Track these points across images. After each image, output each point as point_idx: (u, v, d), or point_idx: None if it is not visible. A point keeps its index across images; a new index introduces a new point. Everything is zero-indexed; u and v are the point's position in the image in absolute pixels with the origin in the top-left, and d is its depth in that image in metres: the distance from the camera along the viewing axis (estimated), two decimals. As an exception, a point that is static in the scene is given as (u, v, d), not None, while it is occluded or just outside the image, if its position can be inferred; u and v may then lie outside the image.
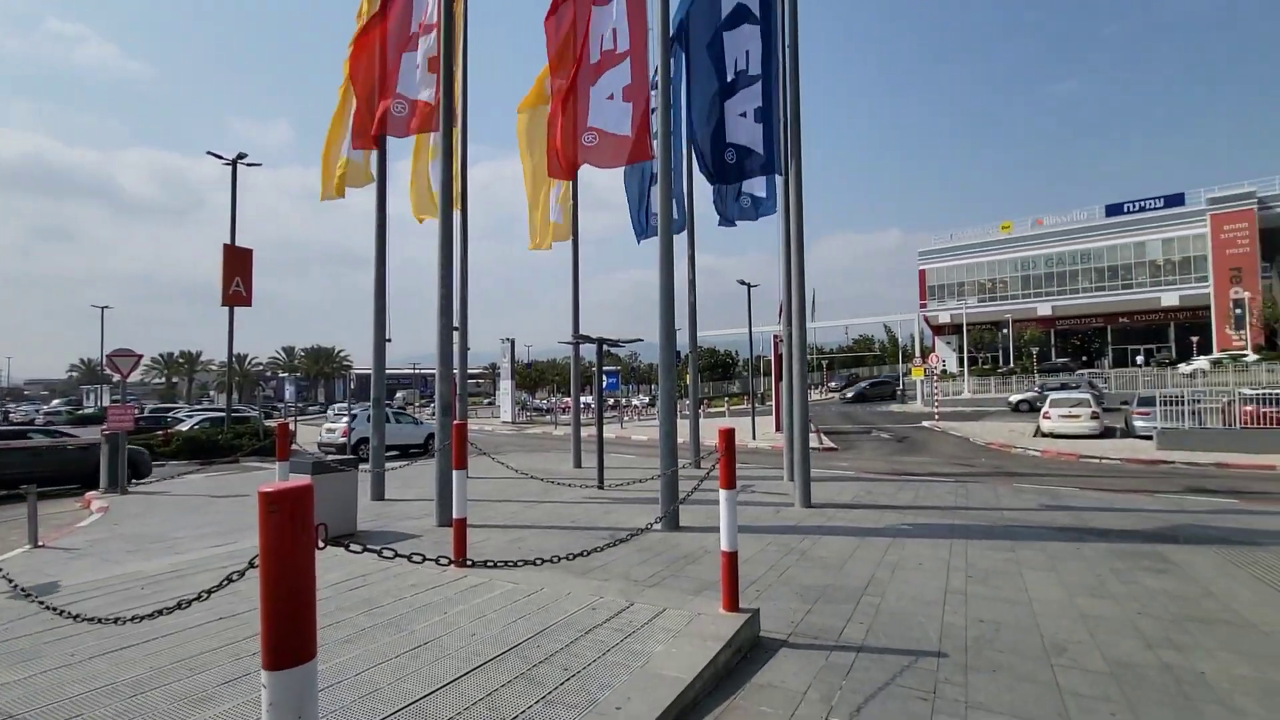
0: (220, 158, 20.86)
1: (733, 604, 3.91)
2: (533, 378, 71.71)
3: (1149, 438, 17.58)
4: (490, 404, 61.72)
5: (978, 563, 5.73)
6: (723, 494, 3.97)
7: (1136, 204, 51.94)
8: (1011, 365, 51.26)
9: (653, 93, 7.67)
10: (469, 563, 3.13)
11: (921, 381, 35.51)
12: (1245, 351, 41.06)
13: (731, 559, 3.93)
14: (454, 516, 5.35)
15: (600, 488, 9.97)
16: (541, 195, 12.33)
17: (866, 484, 10.72)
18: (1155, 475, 13.36)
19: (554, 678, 3.17)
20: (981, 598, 4.76)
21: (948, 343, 58.82)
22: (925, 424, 27.21)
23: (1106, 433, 20.17)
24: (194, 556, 5.99)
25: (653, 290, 7.21)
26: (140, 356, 12.20)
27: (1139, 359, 49.55)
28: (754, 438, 22.07)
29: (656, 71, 7.50)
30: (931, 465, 15.65)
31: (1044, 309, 55.16)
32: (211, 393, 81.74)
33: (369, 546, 2.41)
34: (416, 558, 2.69)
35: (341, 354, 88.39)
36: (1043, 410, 21.42)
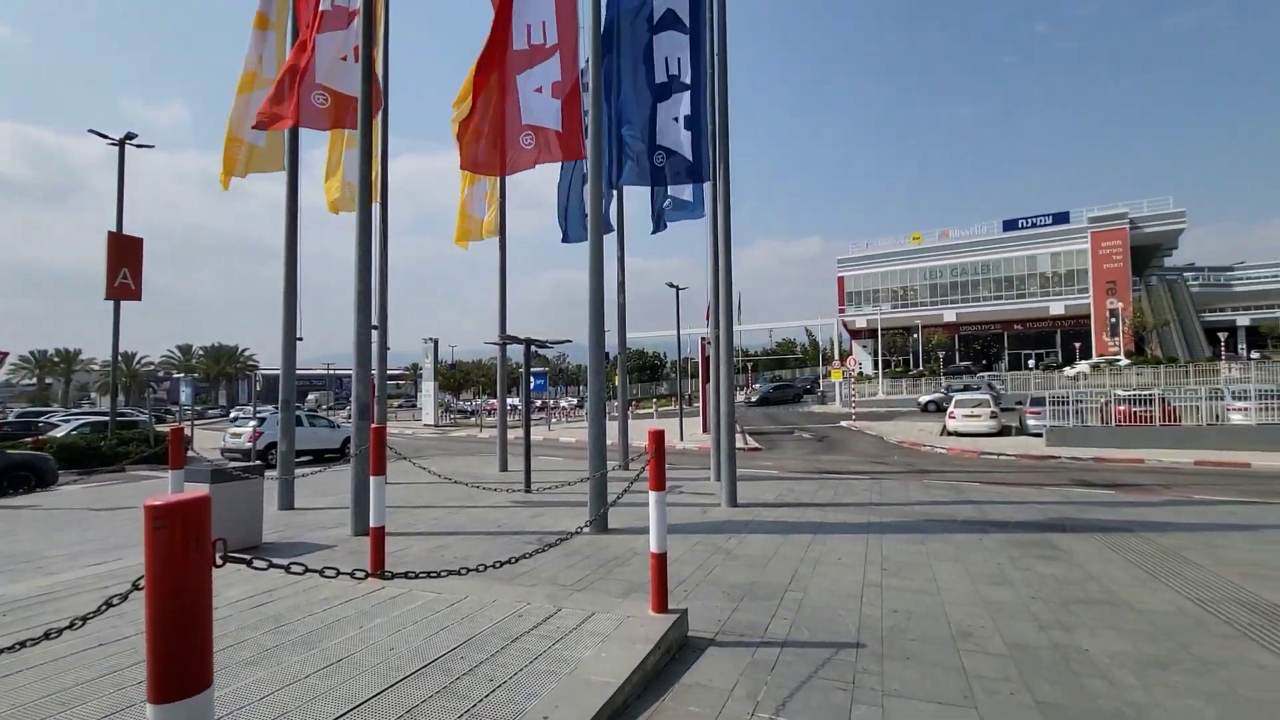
0: (105, 137, 19.00)
1: (661, 605, 3.92)
2: (457, 379, 69.72)
3: (1040, 435, 19.15)
4: (412, 406, 59.52)
5: (892, 556, 6.02)
6: (652, 496, 3.97)
7: (1029, 220, 56.51)
8: (921, 368, 54.49)
9: (584, 94, 7.61)
10: (387, 574, 2.96)
11: (840, 383, 37.17)
12: (1119, 356, 45.51)
13: (660, 560, 3.93)
14: (371, 525, 5.09)
15: (528, 491, 9.79)
16: (463, 190, 12.00)
17: (789, 483, 11.08)
18: (1045, 469, 14.55)
19: (479, 690, 3.06)
20: (896, 589, 5.00)
21: (864, 346, 61.87)
22: (843, 424, 28.48)
23: (1004, 431, 21.81)
24: (69, 577, 5.40)
25: (581, 291, 7.16)
26: (5, 355, 10.91)
27: (1030, 363, 53.93)
28: (681, 439, 22.36)
29: (587, 71, 7.45)
30: (849, 463, 16.38)
31: (950, 315, 59.01)
32: (93, 395, 74.40)
33: (274, 561, 2.24)
34: (329, 571, 2.51)
35: (246, 353, 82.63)
36: (948, 410, 22.91)
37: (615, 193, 11.35)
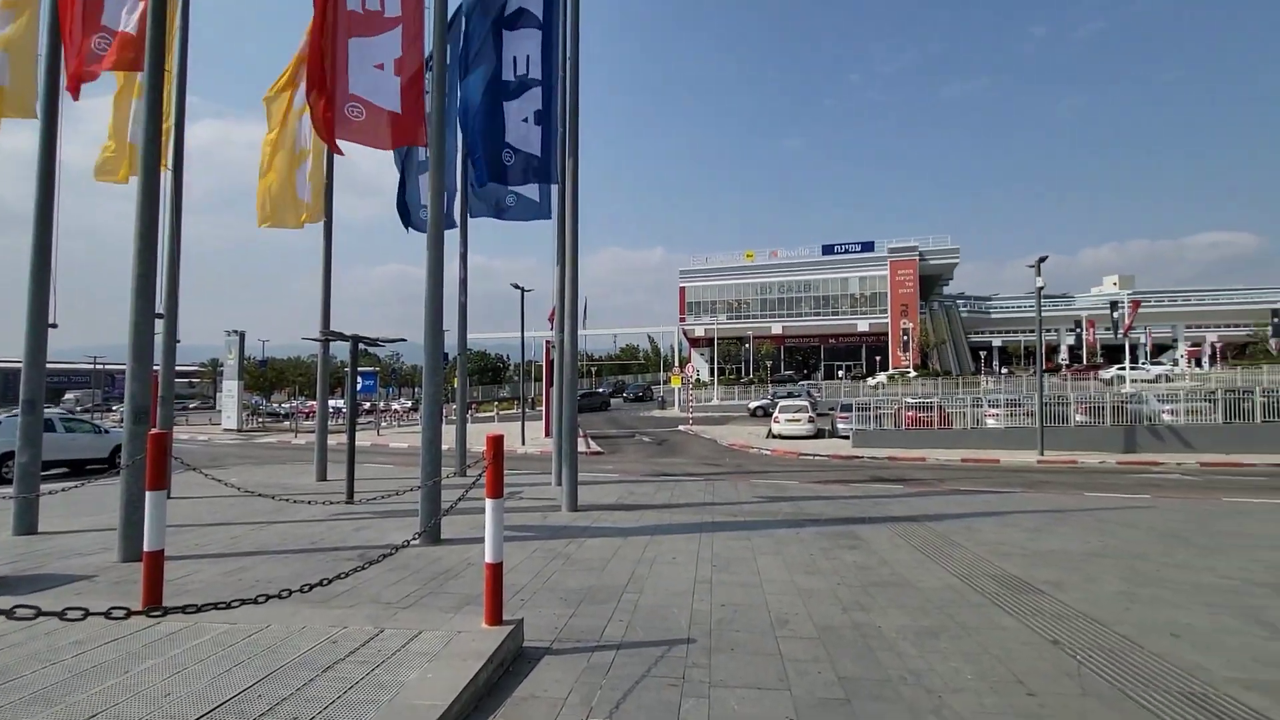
0: None
1: (495, 617, 3.76)
2: (269, 378, 62.25)
3: (848, 437, 21.61)
4: (210, 408, 52.03)
5: (722, 553, 6.38)
6: (489, 503, 3.80)
7: (843, 247, 63.81)
8: (751, 376, 58.95)
9: (428, 75, 7.17)
10: (157, 610, 2.48)
11: (679, 389, 39.01)
12: (909, 369, 52.90)
13: (495, 571, 3.77)
14: (145, 548, 4.29)
15: (350, 502, 8.96)
16: (275, 165, 10.74)
17: (629, 485, 11.32)
18: (851, 468, 16.44)
19: (278, 731, 2.69)
20: (724, 584, 5.29)
21: (701, 354, 65.52)
22: (681, 428, 29.86)
23: (819, 434, 24.26)
24: None
25: (418, 286, 6.72)
26: None
27: (840, 373, 60.79)
28: (523, 443, 21.96)
29: (432, 54, 7.04)
30: (686, 466, 17.18)
31: (777, 328, 64.63)
32: None
33: (-10, 603, 1.76)
34: (74, 613, 2.04)
35: (-22, 341, 66.31)
36: (773, 415, 25.01)
37: (460, 186, 10.86)
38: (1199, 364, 50.62)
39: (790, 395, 35.72)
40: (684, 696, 3.26)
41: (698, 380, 54.98)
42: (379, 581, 5.28)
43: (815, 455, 19.10)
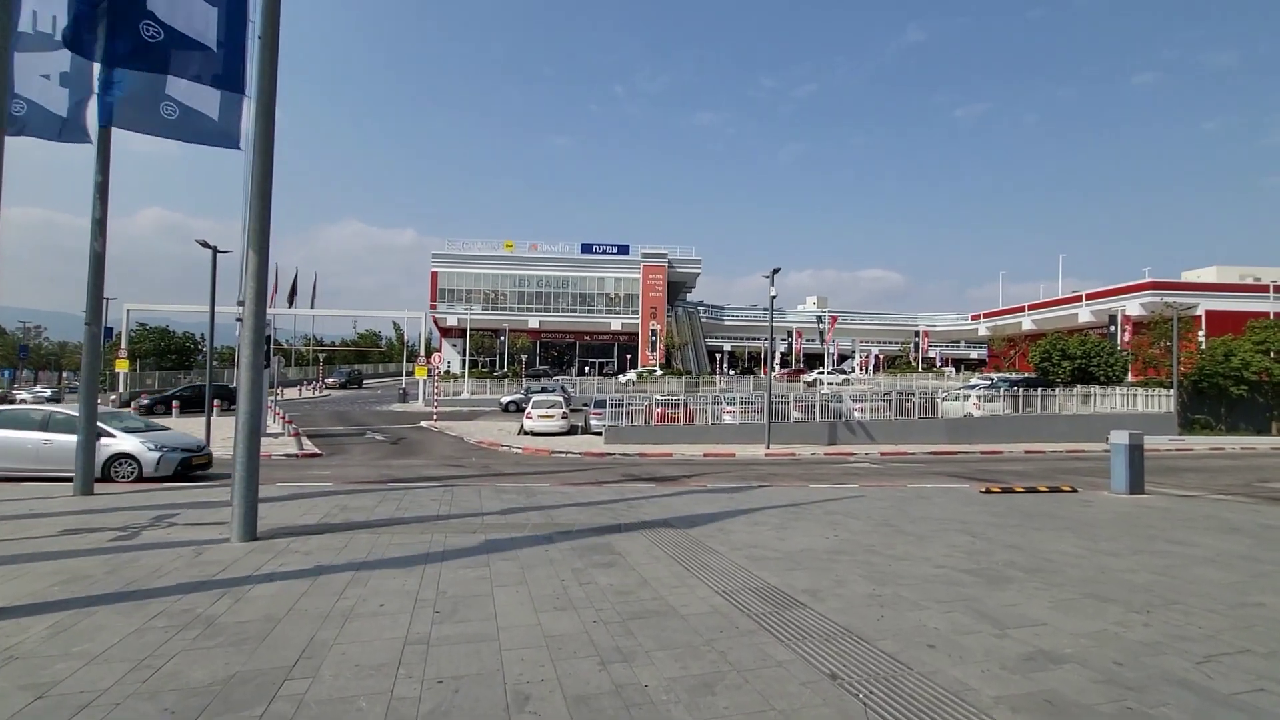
0: None
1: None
2: None
3: (600, 433, 21.45)
4: None
5: (449, 589, 4.95)
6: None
7: (600, 247, 65.69)
8: (506, 370, 57.22)
9: None
10: None
11: (424, 381, 35.69)
12: (656, 368, 56.47)
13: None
14: None
15: None
16: None
17: (344, 497, 9.10)
18: (604, 465, 16.04)
19: None
20: (447, 643, 3.89)
21: (453, 345, 61.70)
22: (424, 424, 27.05)
23: (572, 430, 23.80)
24: None
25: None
26: None
27: (588, 369, 62.50)
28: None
29: None
30: (423, 468, 15.07)
31: (533, 322, 63.83)
32: None
33: None
34: None
35: None
36: (526, 411, 23.88)
37: (96, 77, 7.50)
38: (868, 371, 63.26)
39: (545, 390, 35.00)
40: None
41: (447, 372, 51.56)
42: None
43: (568, 453, 18.46)
